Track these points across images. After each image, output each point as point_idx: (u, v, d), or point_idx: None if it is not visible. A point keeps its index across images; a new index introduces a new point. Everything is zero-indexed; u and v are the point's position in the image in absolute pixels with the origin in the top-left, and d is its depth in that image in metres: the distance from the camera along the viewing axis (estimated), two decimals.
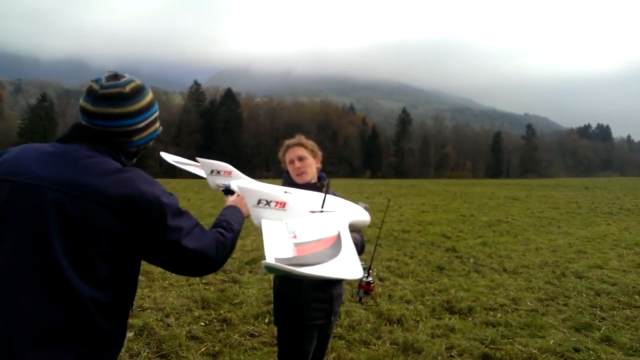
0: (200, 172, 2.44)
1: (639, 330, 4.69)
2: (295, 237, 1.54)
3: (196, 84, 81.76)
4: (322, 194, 2.12)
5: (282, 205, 1.71)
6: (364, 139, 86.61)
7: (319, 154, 2.80)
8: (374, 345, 4.23)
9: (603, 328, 4.72)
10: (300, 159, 2.69)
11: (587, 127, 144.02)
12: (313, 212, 1.96)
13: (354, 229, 2.17)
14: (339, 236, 1.64)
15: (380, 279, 6.52)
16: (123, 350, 3.90)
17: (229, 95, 79.56)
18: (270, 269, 1.20)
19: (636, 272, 7.31)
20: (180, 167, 2.79)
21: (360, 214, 2.23)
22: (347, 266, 1.39)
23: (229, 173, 2.18)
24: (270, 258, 1.31)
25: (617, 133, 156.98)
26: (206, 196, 19.55)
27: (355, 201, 2.37)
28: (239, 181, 2.09)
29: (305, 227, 1.65)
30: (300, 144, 2.74)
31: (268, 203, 1.70)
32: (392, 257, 8.10)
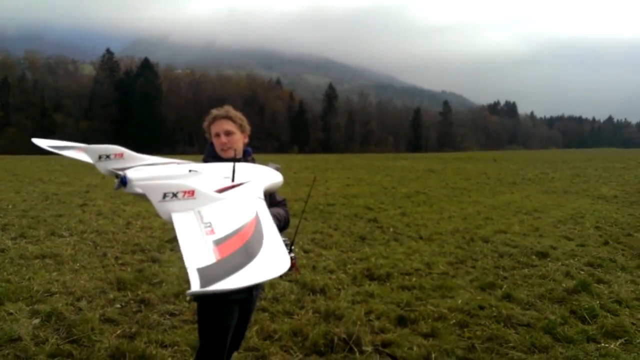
0: (84, 157, 2.21)
1: (534, 287, 5.23)
2: (212, 231, 1.45)
3: (109, 52, 75.43)
4: (231, 165, 2.04)
5: (191, 193, 1.59)
6: (291, 114, 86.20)
7: (248, 128, 2.69)
8: (297, 315, 4.32)
9: (504, 286, 5.21)
10: (227, 133, 2.57)
11: (496, 104, 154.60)
12: (225, 188, 1.88)
13: (268, 192, 2.13)
14: (257, 219, 1.58)
15: (305, 251, 6.63)
16: (28, 338, 3.63)
17: (146, 65, 74.49)
18: (198, 297, 1.13)
19: (534, 236, 8.13)
20: (59, 152, 2.48)
21: (273, 177, 2.21)
22: (273, 260, 1.34)
23: (120, 155, 1.94)
24: (192, 269, 1.23)
25: (522, 110, 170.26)
26: None
27: (265, 163, 2.34)
28: (135, 172, 1.89)
29: (221, 214, 1.56)
30: (229, 117, 2.60)
31: (175, 195, 1.57)
32: (317, 229, 8.25)
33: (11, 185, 14.58)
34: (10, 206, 10.05)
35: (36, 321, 3.95)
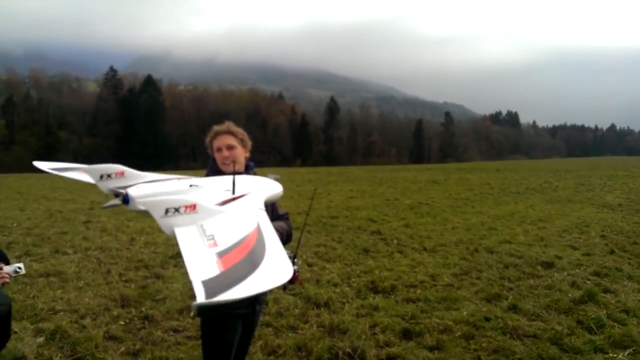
0: (85, 178, 2.20)
1: (540, 298, 5.19)
2: (215, 244, 1.46)
3: (112, 70, 76.38)
4: (231, 177, 2.06)
5: (193, 207, 1.61)
6: (293, 127, 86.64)
7: (249, 143, 2.74)
8: (302, 329, 4.29)
9: (510, 297, 5.16)
10: (229, 147, 2.62)
11: (498, 114, 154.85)
12: (226, 200, 1.90)
13: (269, 203, 2.15)
14: (259, 229, 1.60)
15: (309, 265, 6.61)
16: (32, 356, 3.62)
17: (150, 82, 75.29)
18: (203, 308, 1.14)
19: (539, 245, 8.08)
20: (60, 174, 2.49)
21: (273, 187, 2.24)
22: (276, 269, 1.36)
23: (122, 174, 1.95)
24: (196, 282, 1.24)
25: (524, 119, 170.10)
26: None
27: (265, 174, 2.37)
28: (137, 189, 1.91)
29: (223, 226, 1.58)
30: (230, 132, 2.66)
31: (177, 210, 1.57)
32: (320, 242, 8.23)
33: (16, 203, 14.66)
34: (14, 224, 10.10)
35: (40, 339, 3.94)
